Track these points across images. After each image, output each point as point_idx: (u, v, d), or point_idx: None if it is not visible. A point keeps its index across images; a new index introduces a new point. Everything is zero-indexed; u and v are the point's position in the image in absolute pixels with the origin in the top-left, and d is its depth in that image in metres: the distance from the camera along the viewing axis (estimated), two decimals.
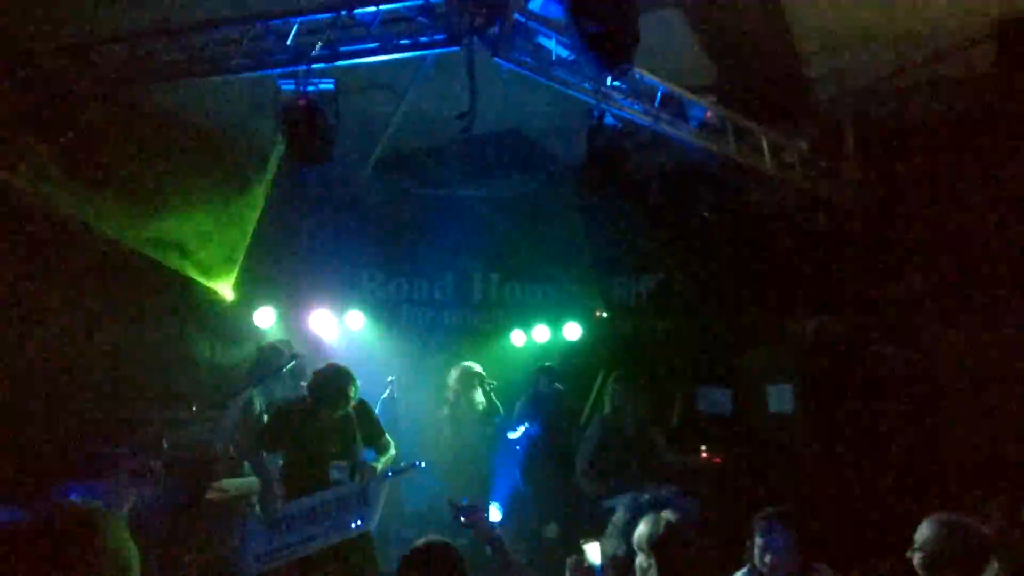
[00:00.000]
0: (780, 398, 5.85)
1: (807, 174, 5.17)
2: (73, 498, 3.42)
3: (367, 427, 4.26)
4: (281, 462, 4.14)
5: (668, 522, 2.46)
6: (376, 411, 6.05)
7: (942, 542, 2.60)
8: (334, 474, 4.03)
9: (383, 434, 4.34)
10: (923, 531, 2.67)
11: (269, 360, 5.04)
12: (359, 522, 3.94)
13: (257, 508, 4.12)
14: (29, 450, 4.24)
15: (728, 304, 6.26)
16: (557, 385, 5.92)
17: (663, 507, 2.85)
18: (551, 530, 5.70)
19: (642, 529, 2.51)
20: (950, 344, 5.36)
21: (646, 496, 2.88)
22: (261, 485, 4.02)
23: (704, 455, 5.78)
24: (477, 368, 5.62)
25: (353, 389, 4.07)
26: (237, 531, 4.17)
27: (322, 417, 4.05)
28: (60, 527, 1.56)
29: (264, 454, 4.09)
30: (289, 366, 4.97)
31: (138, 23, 4.07)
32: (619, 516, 2.67)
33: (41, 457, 4.25)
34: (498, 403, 5.65)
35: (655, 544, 2.41)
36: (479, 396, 5.56)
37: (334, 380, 4.04)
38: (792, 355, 5.96)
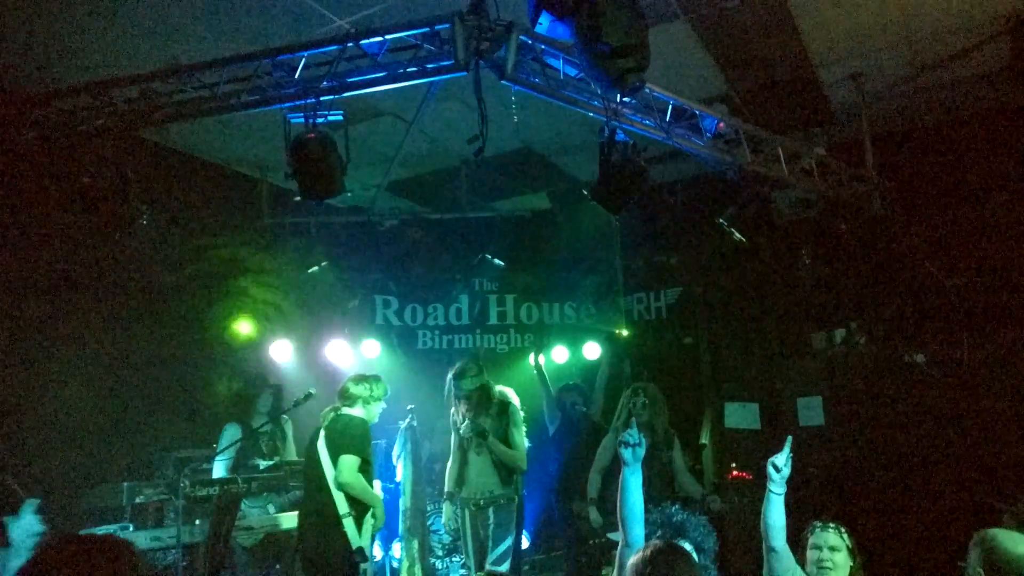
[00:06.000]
0: (810, 411, 5.69)
1: (826, 180, 5.07)
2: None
3: None
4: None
5: (657, 549, 2.36)
6: (398, 441, 5.99)
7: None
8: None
9: None
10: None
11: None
12: None
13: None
14: (44, 497, 4.19)
15: (752, 316, 6.13)
16: (582, 408, 5.79)
17: (674, 531, 2.73)
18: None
19: (634, 558, 2.41)
20: (983, 350, 5.19)
21: (652, 525, 2.77)
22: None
23: (735, 473, 5.63)
24: (508, 395, 5.50)
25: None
26: None
27: None
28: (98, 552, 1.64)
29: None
30: (306, 399, 4.92)
31: (148, 63, 4.11)
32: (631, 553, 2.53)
33: (52, 498, 4.21)
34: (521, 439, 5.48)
35: (640, 571, 2.31)
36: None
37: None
38: (820, 367, 5.80)
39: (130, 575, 1.65)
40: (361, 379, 4.44)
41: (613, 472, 4.85)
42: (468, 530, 4.59)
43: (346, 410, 4.33)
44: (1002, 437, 4.92)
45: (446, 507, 4.72)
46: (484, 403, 4.69)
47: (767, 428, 5.90)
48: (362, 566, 4.03)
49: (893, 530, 4.89)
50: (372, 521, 4.22)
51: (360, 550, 4.02)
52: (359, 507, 4.13)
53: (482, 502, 4.57)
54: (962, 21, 4.52)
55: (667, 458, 4.90)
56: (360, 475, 4.12)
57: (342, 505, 4.07)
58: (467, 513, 4.61)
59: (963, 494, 4.81)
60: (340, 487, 4.10)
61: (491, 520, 4.56)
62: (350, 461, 4.09)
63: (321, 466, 4.15)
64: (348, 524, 4.07)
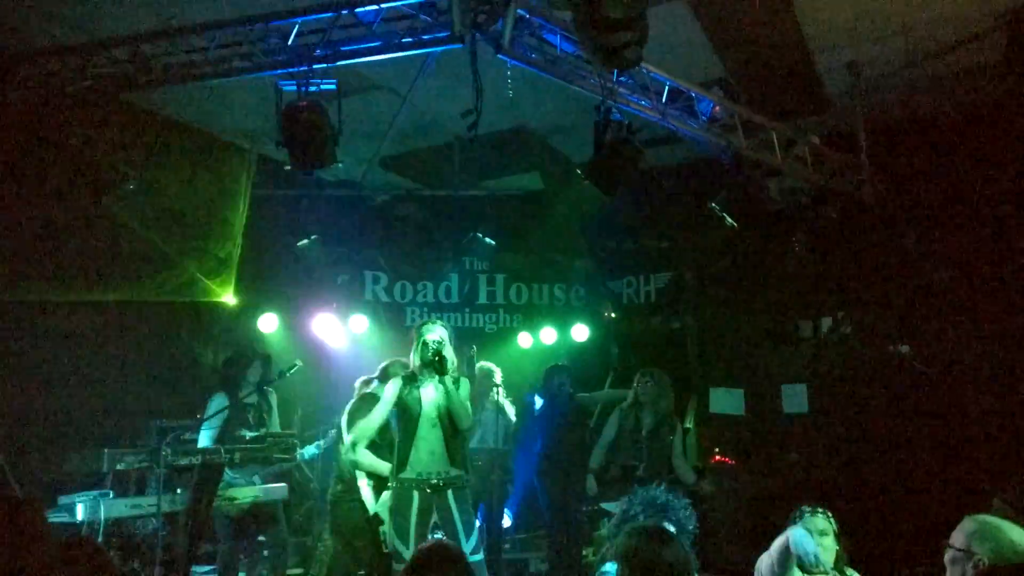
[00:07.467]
0: (795, 398, 5.75)
1: (819, 169, 5.07)
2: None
3: None
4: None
5: (644, 531, 2.35)
6: None
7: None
8: None
9: None
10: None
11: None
12: None
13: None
14: (26, 462, 4.18)
15: (740, 302, 6.16)
16: (568, 389, 5.81)
17: (657, 512, 2.74)
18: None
19: (620, 539, 2.41)
20: (968, 343, 5.24)
21: (637, 505, 2.77)
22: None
23: (717, 457, 5.69)
24: (493, 369, 5.50)
25: None
26: None
27: None
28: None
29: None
30: (292, 370, 4.91)
31: (138, 26, 4.02)
32: (608, 528, 2.49)
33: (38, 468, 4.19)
34: (509, 412, 5.52)
35: (625, 555, 2.31)
36: (493, 399, 5.44)
37: None
38: (806, 354, 5.86)
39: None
40: (390, 363, 4.61)
41: (616, 446, 4.98)
42: (414, 516, 3.94)
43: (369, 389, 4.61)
44: (985, 428, 4.99)
45: (385, 494, 4.13)
46: (440, 365, 3.98)
47: (751, 414, 5.96)
48: (381, 528, 4.17)
49: (875, 516, 4.96)
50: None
51: (376, 515, 4.21)
52: (376, 477, 4.33)
53: (440, 483, 3.97)
54: (959, 13, 4.50)
55: (668, 441, 5.05)
56: (366, 451, 4.29)
57: (359, 476, 4.39)
58: (415, 496, 3.96)
59: (945, 482, 4.89)
60: (349, 463, 4.41)
61: (452, 505, 4.00)
62: (350, 440, 4.34)
63: (343, 441, 4.44)
64: (366, 493, 4.34)
